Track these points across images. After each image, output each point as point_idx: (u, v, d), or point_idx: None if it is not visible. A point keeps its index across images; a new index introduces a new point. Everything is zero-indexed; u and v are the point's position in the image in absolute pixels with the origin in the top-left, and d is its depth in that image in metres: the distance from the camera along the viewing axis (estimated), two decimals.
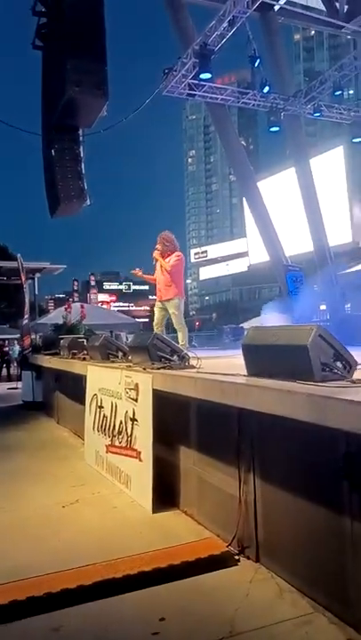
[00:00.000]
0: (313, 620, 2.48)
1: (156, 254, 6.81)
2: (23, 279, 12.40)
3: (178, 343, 6.45)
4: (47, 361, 9.11)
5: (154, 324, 6.95)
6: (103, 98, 10.04)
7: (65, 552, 3.38)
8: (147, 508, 4.09)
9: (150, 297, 59.01)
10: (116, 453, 4.86)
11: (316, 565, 2.65)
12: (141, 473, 4.27)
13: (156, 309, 7.01)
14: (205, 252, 52.35)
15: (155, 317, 6.96)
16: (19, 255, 12.95)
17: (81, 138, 11.71)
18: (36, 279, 14.10)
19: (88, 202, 11.64)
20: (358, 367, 3.05)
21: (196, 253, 56.67)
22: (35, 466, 5.82)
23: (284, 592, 2.74)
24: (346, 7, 12.53)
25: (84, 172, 11.51)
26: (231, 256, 43.51)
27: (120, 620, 2.59)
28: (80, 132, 11.67)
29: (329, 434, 2.41)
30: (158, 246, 6.83)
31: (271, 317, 14.02)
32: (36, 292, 15.00)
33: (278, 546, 2.97)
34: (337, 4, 12.54)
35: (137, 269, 7.15)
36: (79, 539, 3.63)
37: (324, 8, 12.97)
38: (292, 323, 11.94)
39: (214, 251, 48.81)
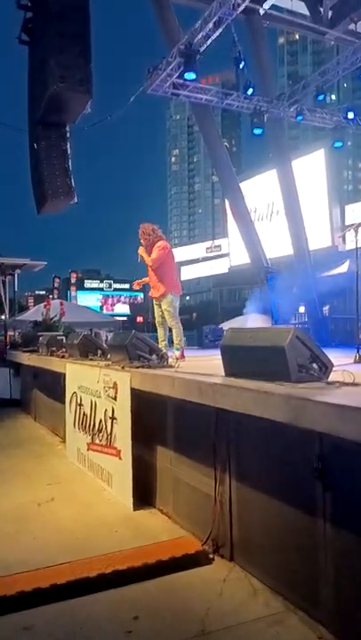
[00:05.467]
0: (284, 619, 2.51)
1: (140, 251, 6.29)
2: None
3: (171, 341, 6.36)
4: (26, 358, 9.03)
5: (156, 322, 6.53)
6: (87, 95, 9.94)
7: (39, 550, 3.37)
8: (128, 505, 4.10)
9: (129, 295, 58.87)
10: (97, 451, 4.86)
11: (289, 565, 2.68)
12: (122, 471, 4.29)
13: (154, 306, 6.53)
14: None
15: (155, 315, 6.53)
16: None
17: (68, 134, 11.61)
18: (15, 275, 13.93)
19: (76, 199, 11.52)
20: (334, 369, 3.09)
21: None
22: (10, 463, 5.77)
23: (258, 591, 2.77)
24: (330, 13, 12.66)
25: (71, 168, 11.42)
26: (209, 257, 43.62)
27: (93, 618, 2.59)
28: (67, 128, 11.57)
29: (304, 435, 2.45)
30: (142, 240, 6.29)
31: (251, 319, 14.10)
32: (16, 289, 14.82)
33: (252, 545, 3.00)
34: (321, 10, 12.67)
35: (135, 283, 6.88)
36: (54, 537, 3.61)
37: (309, 13, 13.09)
38: (271, 324, 12.04)
39: (192, 251, 48.86)
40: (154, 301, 6.51)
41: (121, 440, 4.34)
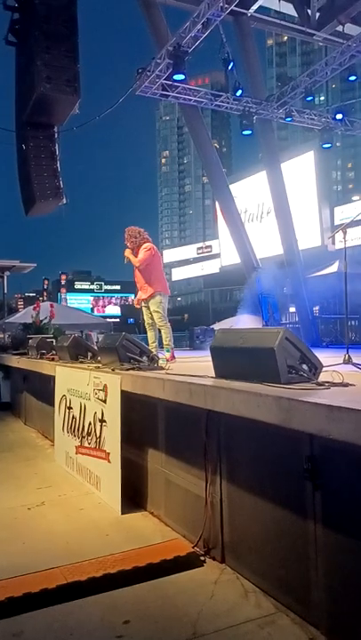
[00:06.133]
0: (276, 620, 2.50)
1: (127, 253, 6.30)
2: None
3: (161, 343, 6.33)
4: (15, 361, 8.97)
5: (145, 324, 6.49)
6: (75, 95, 9.92)
7: (29, 555, 3.34)
8: (116, 508, 4.07)
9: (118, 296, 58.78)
10: (86, 454, 4.83)
11: (280, 566, 2.68)
12: (110, 474, 4.26)
13: (143, 308, 6.52)
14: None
15: (145, 318, 6.50)
16: None
17: (56, 135, 11.57)
18: (5, 277, 13.86)
19: (64, 201, 11.47)
20: (324, 369, 3.10)
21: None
22: (0, 467, 5.72)
23: (249, 593, 2.76)
24: (317, 15, 12.73)
25: (59, 170, 11.38)
26: (200, 258, 43.67)
27: (84, 623, 2.56)
28: (55, 129, 11.53)
29: (294, 436, 2.44)
30: (127, 243, 6.33)
31: (241, 320, 14.13)
32: (5, 291, 14.75)
33: (244, 546, 2.99)
34: (309, 12, 12.73)
35: (136, 303, 6.63)
36: (44, 541, 3.58)
37: (296, 15, 13.15)
38: (262, 324, 12.07)
39: (183, 252, 48.78)
40: (142, 304, 6.48)
41: (110, 443, 4.32)
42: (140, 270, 6.28)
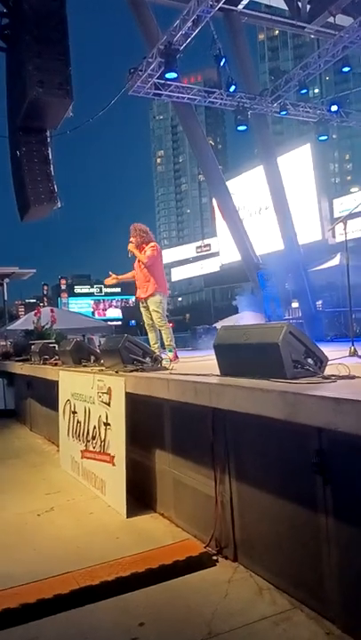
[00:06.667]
0: (291, 616, 2.48)
1: (131, 247, 6.22)
2: None
3: (163, 343, 6.29)
4: (18, 367, 8.97)
5: (145, 325, 6.43)
6: (67, 98, 9.92)
7: (41, 561, 3.32)
8: (121, 512, 4.05)
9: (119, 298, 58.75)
10: (91, 459, 4.81)
11: (293, 562, 2.66)
12: (115, 477, 4.23)
13: (142, 310, 6.46)
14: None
15: (144, 319, 6.44)
16: None
17: (48, 139, 11.57)
18: (5, 284, 13.86)
19: (59, 204, 11.48)
20: (329, 363, 3.08)
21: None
22: (8, 474, 5.72)
23: (263, 590, 2.75)
24: (308, 7, 12.68)
25: (53, 173, 11.38)
26: (200, 257, 43.62)
27: (98, 627, 2.55)
28: (47, 133, 11.53)
29: (302, 430, 2.42)
30: (133, 239, 6.23)
31: (244, 317, 14.10)
32: (5, 298, 14.75)
33: (256, 544, 2.97)
34: (299, 4, 12.69)
35: (110, 276, 6.56)
36: (55, 547, 3.57)
37: (286, 8, 13.12)
38: (264, 321, 12.04)
39: (182, 252, 48.74)
40: (140, 304, 6.43)
41: (114, 446, 4.29)
42: (145, 268, 6.22)
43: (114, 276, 6.57)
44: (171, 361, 5.60)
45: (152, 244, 6.28)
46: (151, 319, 6.32)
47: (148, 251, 6.19)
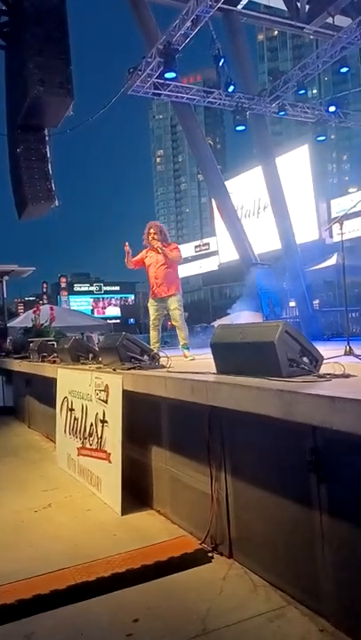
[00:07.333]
0: (286, 613, 2.51)
1: (159, 245, 6.08)
2: None
3: (179, 341, 6.27)
4: (17, 365, 8.98)
5: (151, 323, 6.33)
6: (68, 97, 9.90)
7: (37, 558, 3.34)
8: (116, 509, 4.07)
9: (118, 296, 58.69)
10: (87, 456, 4.82)
11: (287, 559, 2.68)
12: (111, 474, 4.25)
13: (151, 308, 6.30)
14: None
15: (151, 317, 6.32)
16: None
17: (47, 137, 11.56)
18: (4, 282, 13.87)
19: (56, 203, 11.46)
20: (325, 362, 3.10)
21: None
22: (6, 471, 5.74)
23: (258, 587, 2.77)
24: (307, 7, 12.70)
25: (51, 172, 11.37)
26: (199, 256, 43.60)
27: (94, 622, 2.57)
28: (46, 131, 11.52)
29: (297, 428, 2.45)
30: (157, 236, 6.13)
31: (242, 316, 14.12)
32: (5, 296, 14.76)
33: (251, 541, 2.99)
34: (298, 5, 12.71)
35: (126, 245, 6.21)
36: (52, 543, 3.58)
37: (285, 8, 13.13)
38: (261, 320, 12.06)
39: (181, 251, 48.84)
40: (152, 302, 6.28)
41: (111, 443, 4.31)
42: (169, 267, 6.19)
43: (129, 249, 6.31)
44: (186, 357, 5.94)
45: (175, 244, 6.39)
46: (159, 318, 6.29)
47: (175, 252, 6.23)
